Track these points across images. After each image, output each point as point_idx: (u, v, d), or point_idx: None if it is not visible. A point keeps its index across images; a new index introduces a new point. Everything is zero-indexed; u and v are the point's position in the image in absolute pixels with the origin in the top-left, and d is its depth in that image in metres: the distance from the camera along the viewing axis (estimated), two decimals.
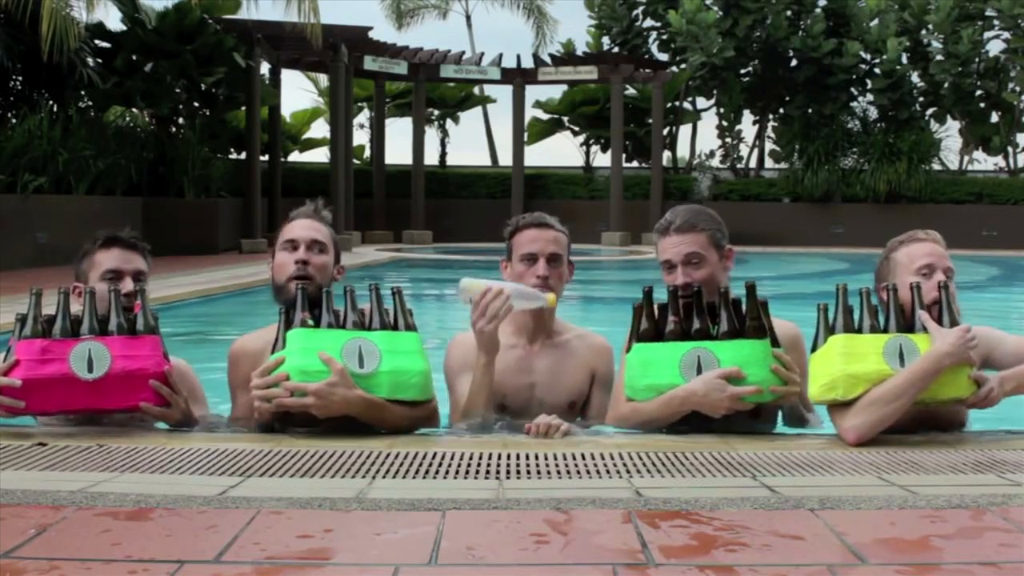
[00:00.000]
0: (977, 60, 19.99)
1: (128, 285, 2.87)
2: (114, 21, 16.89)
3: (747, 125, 22.34)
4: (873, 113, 21.35)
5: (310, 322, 2.75)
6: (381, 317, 2.81)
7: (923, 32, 20.39)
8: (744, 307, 2.80)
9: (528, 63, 20.83)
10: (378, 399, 2.72)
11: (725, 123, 21.85)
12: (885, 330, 2.76)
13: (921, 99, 21.12)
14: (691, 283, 2.84)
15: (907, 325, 2.76)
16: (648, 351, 2.80)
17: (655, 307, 2.85)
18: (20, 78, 14.38)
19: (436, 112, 23.09)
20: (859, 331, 2.75)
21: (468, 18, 30.25)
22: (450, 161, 23.46)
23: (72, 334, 2.73)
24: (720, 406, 2.72)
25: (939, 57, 19.97)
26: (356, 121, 21.83)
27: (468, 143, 57.54)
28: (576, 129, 22.70)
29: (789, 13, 20.50)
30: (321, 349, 2.68)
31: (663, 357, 2.78)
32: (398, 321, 2.83)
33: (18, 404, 2.67)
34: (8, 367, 2.67)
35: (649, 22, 22.01)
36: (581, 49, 22.12)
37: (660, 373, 2.77)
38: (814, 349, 2.79)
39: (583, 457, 2.48)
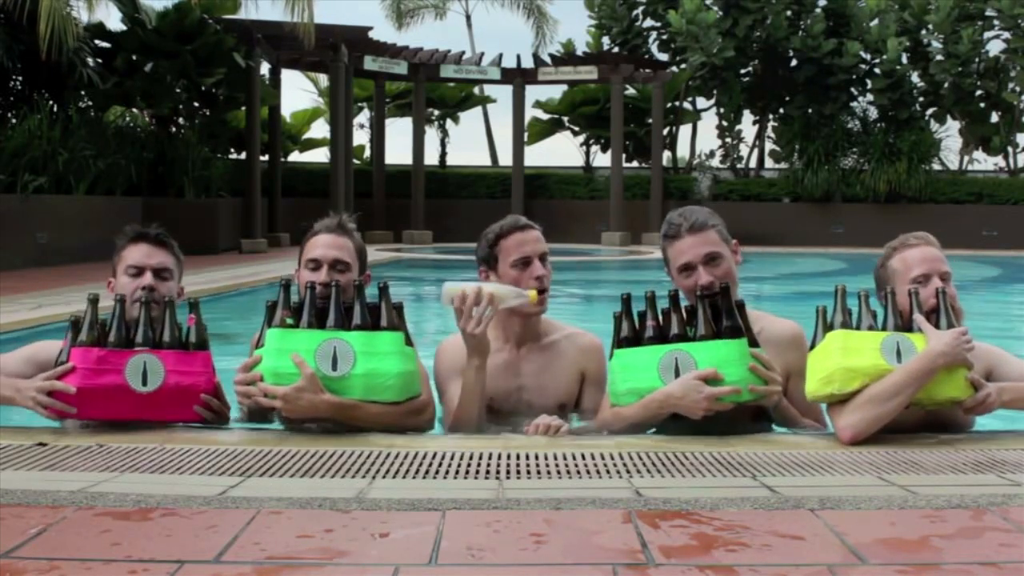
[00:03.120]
0: (977, 60, 19.98)
1: (148, 279, 2.89)
2: (114, 21, 16.90)
3: (747, 125, 22.35)
4: (873, 113, 21.32)
5: (289, 321, 2.74)
6: (362, 315, 2.77)
7: (923, 32, 20.36)
8: (720, 306, 2.80)
9: (528, 63, 20.83)
10: (349, 401, 2.72)
11: (725, 123, 21.83)
12: (883, 330, 2.77)
13: (921, 99, 21.10)
14: (714, 281, 2.84)
15: (905, 328, 2.77)
16: (627, 356, 2.82)
17: (634, 313, 2.86)
18: (20, 78, 14.36)
19: (436, 112, 23.07)
20: (857, 330, 2.77)
21: (468, 18, 30.25)
22: (450, 161, 23.45)
23: (127, 344, 2.75)
24: (698, 407, 2.73)
25: (939, 57, 19.95)
26: (356, 121, 21.80)
27: (468, 143, 57.54)
28: (576, 129, 22.69)
29: (789, 13, 20.48)
30: (295, 350, 2.69)
31: (642, 361, 2.79)
32: (381, 319, 2.78)
33: (70, 410, 2.70)
34: (63, 372, 2.70)
35: (649, 22, 21.98)
36: (581, 49, 22.11)
37: (639, 377, 2.79)
38: (812, 347, 2.80)
39: (583, 457, 2.48)
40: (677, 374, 2.75)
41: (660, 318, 2.82)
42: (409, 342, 2.80)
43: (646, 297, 2.83)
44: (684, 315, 2.82)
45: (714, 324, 2.77)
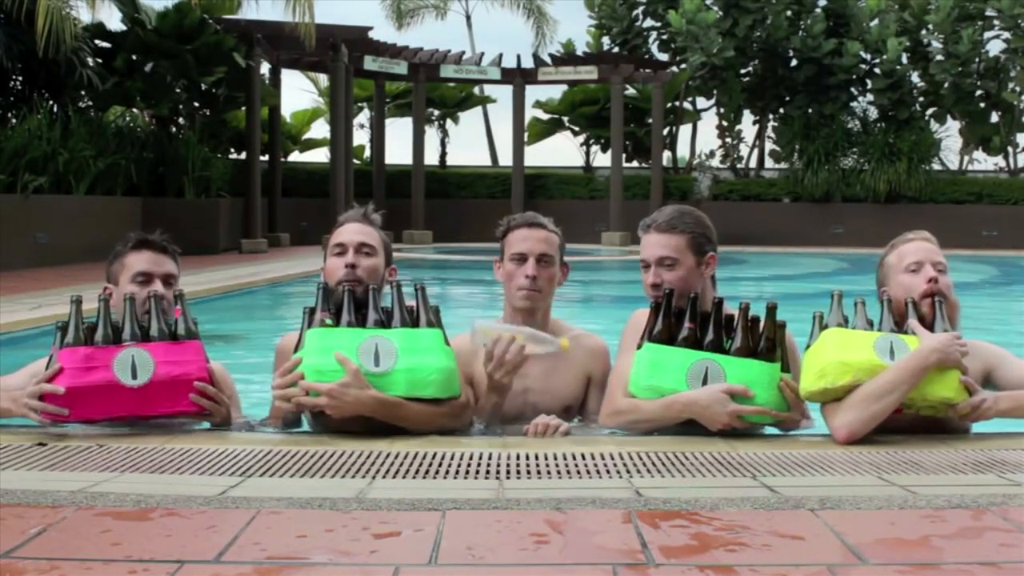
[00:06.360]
0: (977, 60, 19.98)
1: (158, 286, 2.87)
2: (114, 21, 16.88)
3: (747, 125, 22.35)
4: (873, 113, 21.33)
5: (328, 322, 2.75)
6: (402, 314, 2.79)
7: (923, 32, 20.37)
8: (762, 327, 2.80)
9: (528, 63, 20.82)
10: (393, 398, 2.70)
11: (725, 123, 21.83)
12: (879, 332, 2.78)
13: (921, 99, 21.11)
14: (661, 283, 2.86)
15: (900, 331, 2.78)
16: (658, 352, 2.81)
17: (673, 310, 2.85)
18: (20, 78, 14.37)
19: (436, 112, 23.07)
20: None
21: (468, 18, 30.25)
22: (450, 161, 23.46)
23: (114, 341, 2.73)
24: (719, 420, 2.74)
25: (939, 57, 19.95)
26: (356, 121, 21.80)
27: (468, 143, 57.46)
28: (576, 129, 22.68)
29: (789, 13, 20.48)
30: (337, 348, 2.68)
31: (672, 362, 2.79)
32: (420, 318, 2.80)
33: (62, 412, 2.67)
34: (52, 374, 2.68)
35: (649, 22, 21.99)
36: (581, 49, 22.10)
37: (666, 377, 2.78)
38: (808, 348, 2.81)
39: (583, 457, 2.48)
40: (704, 383, 2.75)
41: (699, 321, 2.82)
42: (447, 342, 2.80)
43: (689, 298, 2.83)
44: (724, 324, 2.82)
45: (752, 341, 2.78)
